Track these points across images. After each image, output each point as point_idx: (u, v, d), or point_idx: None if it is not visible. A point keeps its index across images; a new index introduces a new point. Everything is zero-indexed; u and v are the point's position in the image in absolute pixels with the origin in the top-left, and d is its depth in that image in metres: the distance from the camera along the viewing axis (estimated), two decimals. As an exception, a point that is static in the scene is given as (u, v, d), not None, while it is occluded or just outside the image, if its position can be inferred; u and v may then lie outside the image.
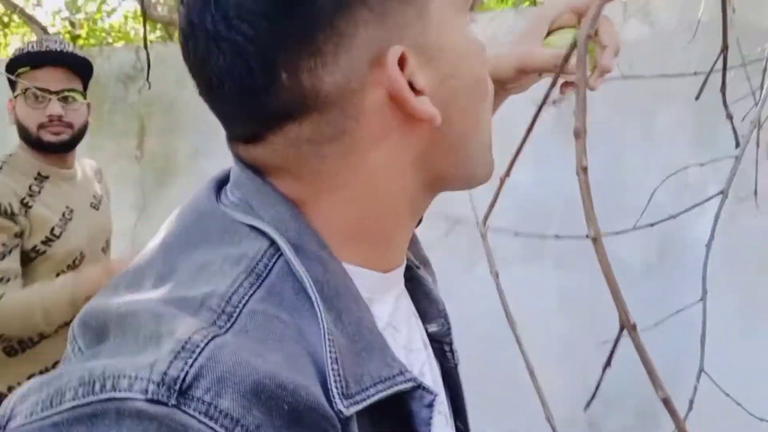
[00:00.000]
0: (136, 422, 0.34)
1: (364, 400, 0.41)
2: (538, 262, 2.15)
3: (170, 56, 3.30)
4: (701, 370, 1.14)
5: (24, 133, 1.63)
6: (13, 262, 1.55)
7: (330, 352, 0.41)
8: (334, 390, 0.40)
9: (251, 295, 0.41)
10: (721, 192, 1.16)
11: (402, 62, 0.44)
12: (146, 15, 4.46)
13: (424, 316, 0.59)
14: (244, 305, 0.41)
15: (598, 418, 2.04)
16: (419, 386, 0.44)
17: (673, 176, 1.86)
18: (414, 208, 0.51)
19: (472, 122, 0.49)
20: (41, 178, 1.64)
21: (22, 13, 4.56)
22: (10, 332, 1.56)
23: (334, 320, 0.43)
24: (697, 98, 1.24)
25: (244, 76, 0.43)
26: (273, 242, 0.44)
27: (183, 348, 0.36)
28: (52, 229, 1.61)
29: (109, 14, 5.50)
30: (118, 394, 0.35)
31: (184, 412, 0.34)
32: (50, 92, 1.60)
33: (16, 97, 1.63)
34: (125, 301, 0.42)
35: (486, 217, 0.65)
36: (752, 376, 1.69)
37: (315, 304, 0.42)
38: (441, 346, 0.59)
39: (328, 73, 0.42)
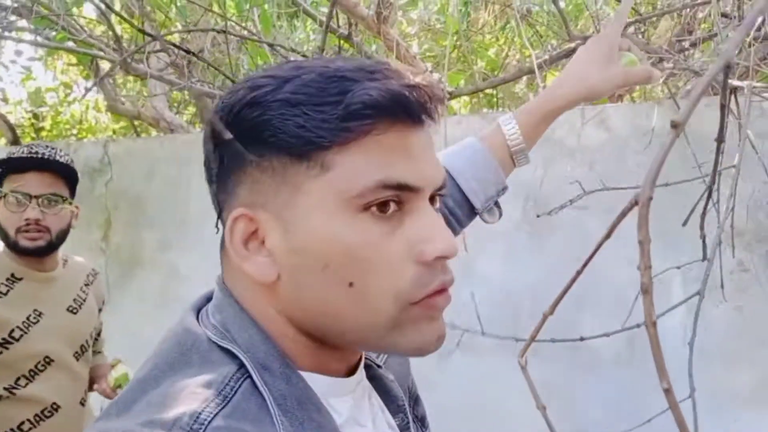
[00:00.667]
0: None
1: None
2: (513, 353, 2.19)
3: (138, 150, 3.35)
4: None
5: (3, 236, 1.64)
6: None
7: None
8: None
9: (217, 412, 0.48)
10: (698, 293, 1.24)
11: (244, 222, 0.53)
12: (113, 109, 4.53)
13: (387, 410, 0.65)
14: (209, 422, 0.47)
15: None
16: None
17: (636, 274, 1.96)
18: (321, 347, 0.56)
19: (324, 300, 0.52)
20: (13, 279, 1.64)
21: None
22: None
23: (296, 428, 0.50)
24: (684, 224, 1.38)
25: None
26: (243, 365, 0.52)
27: None
28: (12, 331, 1.59)
29: (70, 104, 5.54)
30: None
31: None
32: (31, 197, 1.62)
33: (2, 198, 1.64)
34: (113, 425, 0.49)
35: (525, 350, 0.70)
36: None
37: (274, 416, 0.49)
38: None
39: (226, 206, 0.56)
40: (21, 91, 5.50)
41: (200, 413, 0.48)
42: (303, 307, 0.54)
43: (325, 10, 3.38)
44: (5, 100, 4.98)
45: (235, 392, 0.50)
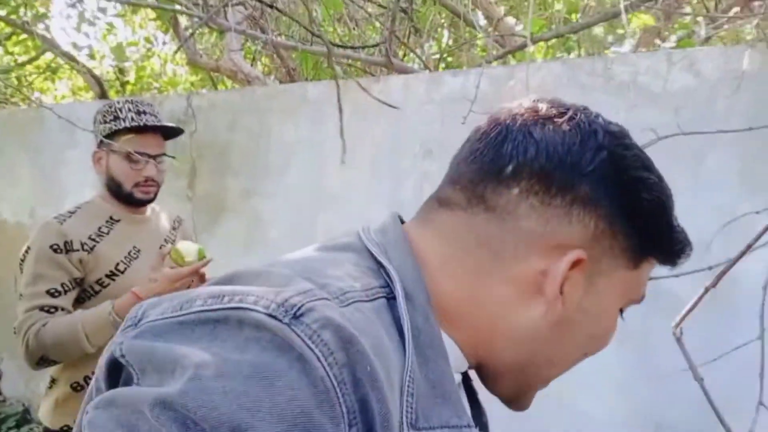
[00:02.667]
0: (253, 330, 0.42)
1: None
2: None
3: (219, 102, 3.46)
4: (760, 402, 1.19)
5: (115, 187, 1.82)
6: (65, 301, 1.70)
7: (408, 386, 0.48)
8: (404, 419, 0.47)
9: (360, 300, 0.49)
10: (776, 236, 1.23)
11: (575, 265, 0.56)
12: (192, 62, 4.66)
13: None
14: (354, 302, 0.48)
15: (650, 456, 2.07)
16: None
17: (722, 214, 1.93)
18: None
19: (554, 351, 0.60)
20: (112, 221, 1.82)
21: (71, 60, 4.77)
22: (57, 356, 1.67)
23: (420, 364, 0.50)
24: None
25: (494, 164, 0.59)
26: (388, 285, 0.53)
27: (305, 292, 0.45)
28: (117, 264, 1.77)
29: (149, 57, 5.73)
30: (243, 305, 0.43)
31: (293, 331, 0.42)
32: (149, 156, 1.81)
33: (108, 151, 1.81)
34: (260, 267, 0.51)
35: (680, 322, 0.84)
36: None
37: (407, 343, 0.50)
38: None
39: (533, 215, 0.56)
40: (104, 47, 5.70)
41: (347, 292, 0.49)
42: (529, 347, 0.59)
43: (400, -43, 3.34)
44: (92, 56, 5.20)
45: (374, 299, 0.51)
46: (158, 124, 1.82)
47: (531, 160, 0.55)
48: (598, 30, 3.77)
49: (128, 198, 1.82)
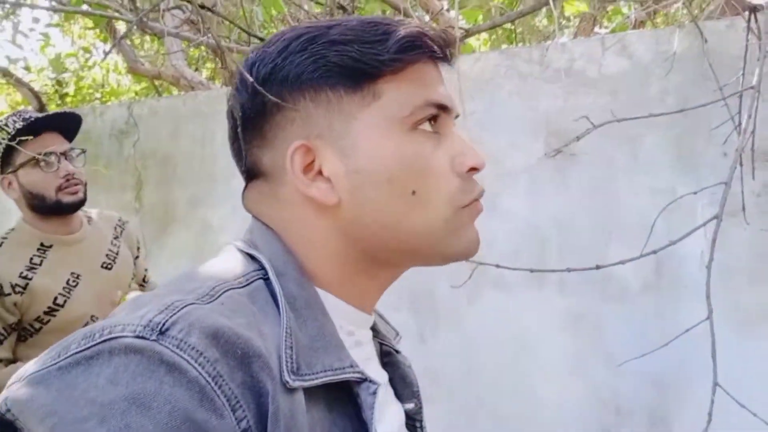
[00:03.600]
0: (123, 356, 0.45)
1: (312, 380, 0.53)
2: (543, 287, 2.23)
3: (162, 110, 3.39)
4: (715, 383, 1.20)
5: (38, 202, 1.64)
6: (4, 351, 1.56)
7: (286, 340, 0.53)
8: (284, 366, 0.52)
9: (232, 288, 0.55)
10: (716, 217, 1.25)
11: (302, 153, 0.59)
12: (133, 70, 4.55)
13: (400, 397, 0.70)
14: (224, 292, 0.54)
15: (611, 429, 2.10)
16: (365, 379, 0.57)
17: (661, 196, 1.96)
18: (366, 271, 0.62)
19: (387, 211, 0.59)
20: (43, 248, 1.65)
21: (7, 74, 4.62)
22: None
23: (299, 324, 0.56)
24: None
25: (233, 146, 0.65)
26: (262, 267, 0.59)
27: (167, 307, 0.49)
28: (55, 299, 1.61)
29: (90, 68, 5.58)
30: (112, 335, 0.47)
31: (161, 344, 0.46)
32: (57, 154, 1.64)
33: (14, 171, 1.65)
34: (143, 297, 0.55)
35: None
36: (759, 384, 1.76)
37: (281, 308, 0.56)
38: (413, 422, 0.70)
39: (267, 152, 0.61)
40: (42, 59, 5.53)
41: (217, 286, 0.54)
42: (364, 224, 0.59)
43: (336, -46, 3.32)
44: (28, 69, 5.03)
45: (251, 283, 0.57)
46: (45, 114, 1.64)
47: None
48: (539, 19, 3.81)
49: (57, 207, 1.63)
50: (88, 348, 0.46)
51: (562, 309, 2.16)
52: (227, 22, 3.27)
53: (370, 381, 0.58)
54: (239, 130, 0.62)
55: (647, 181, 2.05)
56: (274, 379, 0.50)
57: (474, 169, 0.61)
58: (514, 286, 2.26)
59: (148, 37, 4.83)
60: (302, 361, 0.53)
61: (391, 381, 0.69)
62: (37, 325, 1.60)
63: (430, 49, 0.60)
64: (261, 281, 0.58)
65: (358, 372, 0.57)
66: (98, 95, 5.36)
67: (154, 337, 0.46)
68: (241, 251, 0.61)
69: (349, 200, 0.59)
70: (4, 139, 1.61)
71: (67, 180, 1.64)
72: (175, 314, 0.48)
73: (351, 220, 0.60)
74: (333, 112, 0.59)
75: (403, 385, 0.70)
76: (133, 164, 3.34)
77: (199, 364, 0.46)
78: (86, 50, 5.39)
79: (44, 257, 1.63)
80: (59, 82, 5.13)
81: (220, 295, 0.53)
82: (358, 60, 0.58)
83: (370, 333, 0.67)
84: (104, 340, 0.46)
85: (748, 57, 1.73)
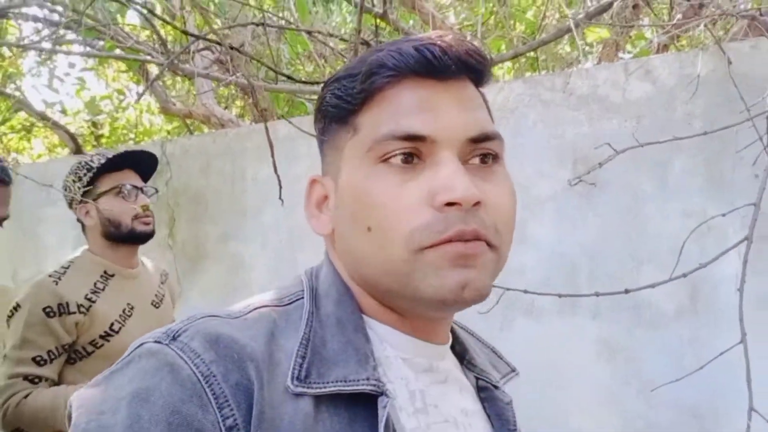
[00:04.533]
0: (144, 359, 0.53)
1: (321, 388, 0.54)
2: (575, 314, 2.20)
3: (192, 148, 3.46)
4: (751, 408, 1.17)
5: (113, 228, 1.78)
6: (51, 371, 1.64)
7: (299, 350, 0.56)
8: (290, 373, 0.54)
9: (269, 306, 0.60)
10: (746, 238, 1.23)
11: (314, 187, 0.65)
12: (165, 110, 4.68)
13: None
14: (256, 309, 0.60)
15: (647, 468, 2.04)
16: (381, 392, 0.56)
17: (692, 220, 1.94)
18: (388, 304, 0.62)
19: (354, 247, 0.60)
20: (107, 275, 1.77)
21: (45, 118, 4.78)
22: (31, 428, 1.62)
23: (325, 339, 0.58)
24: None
25: None
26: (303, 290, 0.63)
27: (188, 319, 0.57)
28: (112, 324, 1.71)
29: (124, 109, 5.75)
30: (141, 342, 0.55)
31: (170, 347, 0.53)
32: (138, 188, 1.81)
33: (95, 199, 1.78)
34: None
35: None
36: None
37: (302, 322, 0.59)
38: None
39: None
40: (77, 102, 5.71)
41: (250, 304, 0.60)
42: (346, 258, 0.62)
43: (359, -10, 3.39)
44: (64, 112, 5.21)
45: (293, 302, 0.62)
46: (130, 150, 1.83)
47: None
48: (561, 46, 3.83)
49: (131, 235, 1.78)
50: (128, 354, 0.55)
51: (595, 337, 2.13)
52: (255, 61, 3.35)
53: (385, 394, 0.55)
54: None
55: (677, 206, 2.03)
56: (271, 384, 0.53)
57: (452, 205, 0.54)
58: (545, 314, 2.24)
59: (179, 78, 4.97)
60: (314, 371, 0.55)
61: (489, 417, 0.68)
62: (90, 349, 1.69)
63: (411, 69, 0.56)
64: (302, 301, 0.62)
65: (373, 384, 0.55)
66: (132, 135, 5.51)
67: (166, 342, 0.54)
68: (304, 275, 0.66)
69: (336, 232, 0.63)
70: (86, 173, 1.76)
71: (144, 210, 1.79)
72: (190, 324, 0.56)
73: (340, 251, 0.63)
74: (332, 148, 0.63)
75: (499, 423, 0.67)
76: (166, 201, 3.40)
77: (195, 365, 0.52)
78: (120, 92, 5.56)
79: (106, 284, 1.76)
80: (94, 124, 5.29)
81: (250, 312, 0.59)
82: (340, 96, 0.60)
83: (450, 362, 0.67)
84: (137, 347, 0.55)
85: (774, 77, 1.71)
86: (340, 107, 0.60)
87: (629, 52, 3.21)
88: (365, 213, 0.57)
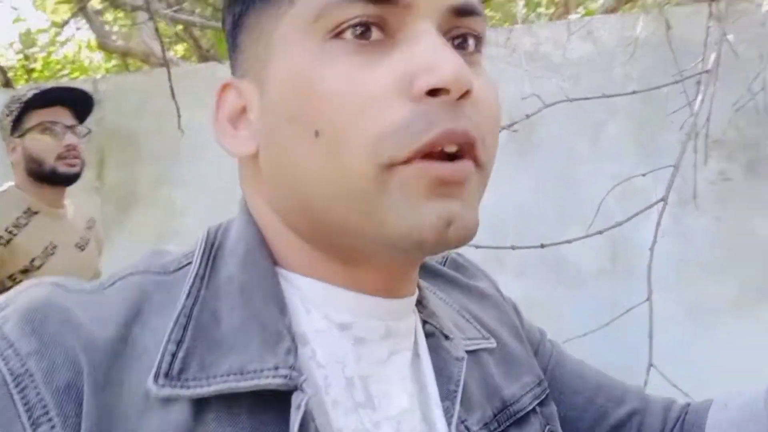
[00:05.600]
0: None
1: (199, 386, 0.38)
2: (502, 273, 2.22)
3: (128, 87, 3.32)
4: (650, 364, 1.20)
5: (36, 167, 1.70)
6: None
7: (172, 333, 0.40)
8: (154, 367, 0.38)
9: (145, 273, 0.45)
10: (662, 199, 1.24)
11: (229, 96, 0.46)
12: (103, 46, 4.47)
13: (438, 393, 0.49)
14: (125, 278, 0.44)
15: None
16: (295, 386, 0.39)
17: (620, 185, 1.95)
18: (328, 248, 0.45)
19: (293, 163, 0.41)
20: (30, 212, 1.72)
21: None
22: None
23: (219, 314, 0.42)
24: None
25: None
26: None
27: (18, 290, 0.42)
28: (33, 260, 1.68)
29: (62, 44, 5.47)
30: None
31: None
32: (65, 126, 1.71)
33: (21, 135, 1.71)
34: None
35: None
36: (700, 370, 1.77)
37: (182, 294, 0.42)
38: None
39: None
40: (11, 33, 5.41)
41: (122, 273, 0.45)
42: (279, 184, 0.44)
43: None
44: (-6, 42, 4.92)
45: (182, 267, 0.45)
46: (61, 87, 1.74)
47: None
48: (515, 6, 3.79)
49: (52, 175, 1.69)
50: None
51: (519, 294, 2.15)
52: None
53: (300, 388, 0.39)
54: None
55: (608, 168, 2.04)
56: (124, 385, 0.38)
57: (438, 92, 0.38)
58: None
59: (121, 14, 4.74)
60: (195, 362, 0.39)
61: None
62: (8, 284, 1.65)
63: None
64: (188, 268, 0.45)
65: (283, 375, 0.39)
66: (67, 72, 5.26)
67: None
68: (206, 231, 0.49)
69: (264, 152, 0.44)
70: (16, 107, 1.69)
71: (68, 150, 1.70)
72: (16, 296, 0.40)
73: (268, 178, 0.44)
74: (254, 37, 0.44)
75: (439, 378, 0.48)
76: (97, 142, 3.26)
77: (4, 359, 0.37)
78: (56, 25, 5.28)
79: (29, 221, 1.71)
80: (27, 57, 5.03)
81: (115, 282, 0.43)
82: None
83: (413, 320, 0.49)
84: None
85: (709, 42, 1.71)
86: None
87: (578, 14, 3.19)
88: (311, 111, 0.39)
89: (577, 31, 2.11)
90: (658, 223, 1.26)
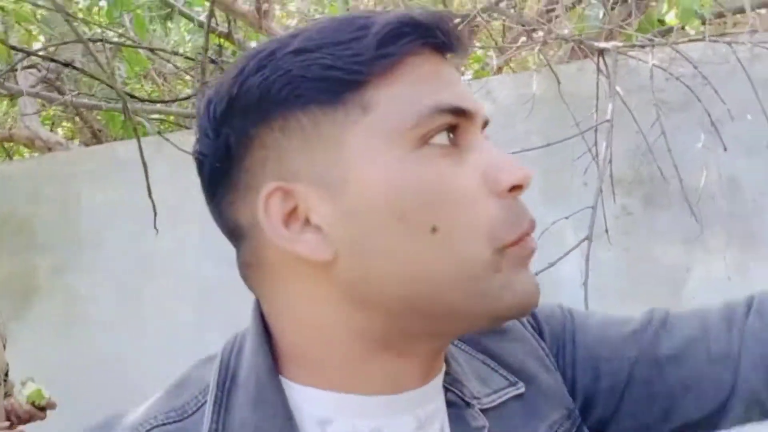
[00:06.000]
0: None
1: None
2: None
3: (16, 174, 3.16)
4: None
5: None
6: None
7: None
8: None
9: (158, 427, 0.46)
10: (587, 238, 1.36)
11: (279, 199, 0.44)
12: None
13: None
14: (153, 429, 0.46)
15: None
16: None
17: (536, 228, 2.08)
18: (389, 348, 0.46)
19: (402, 260, 0.43)
20: None
21: None
22: None
23: None
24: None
25: (210, 207, 0.49)
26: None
27: None
28: None
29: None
30: None
31: None
32: None
33: None
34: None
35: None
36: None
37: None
38: None
39: (241, 207, 0.46)
40: None
41: (146, 417, 0.46)
42: (373, 282, 0.44)
43: (199, 9, 3.31)
44: None
45: (190, 414, 0.46)
46: None
47: None
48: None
49: None
50: None
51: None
52: (91, 78, 3.14)
53: None
54: (209, 185, 0.48)
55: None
56: None
57: (517, 188, 0.44)
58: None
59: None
60: None
61: None
62: None
63: (428, 34, 0.44)
64: (204, 407, 0.46)
65: None
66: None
67: None
68: (221, 352, 0.49)
69: (348, 254, 0.44)
70: None
71: None
72: None
73: (354, 279, 0.44)
74: (311, 141, 0.44)
75: None
76: (-14, 233, 3.05)
77: None
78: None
79: None
80: None
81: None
82: (331, 66, 0.43)
83: (432, 406, 0.49)
84: None
85: (600, 95, 1.90)
86: (332, 81, 0.43)
87: (466, 74, 3.42)
88: (427, 210, 0.43)
89: (477, 92, 2.26)
90: (587, 259, 1.37)
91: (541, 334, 0.58)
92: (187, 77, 4.01)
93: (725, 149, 1.86)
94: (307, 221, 0.44)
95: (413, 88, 0.44)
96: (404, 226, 0.43)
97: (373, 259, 0.43)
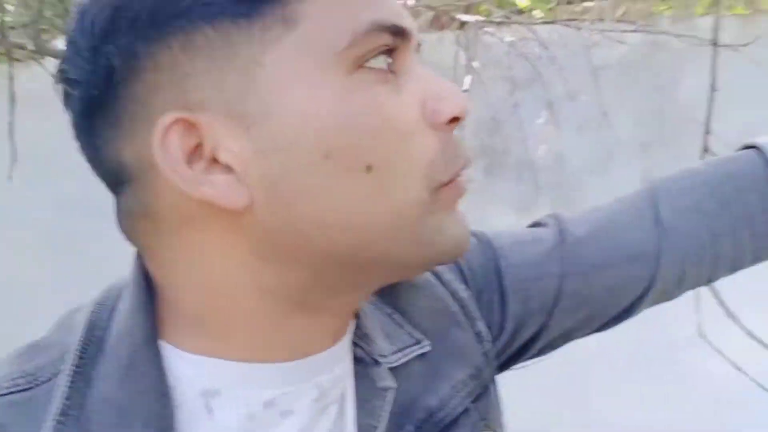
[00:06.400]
0: None
1: None
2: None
3: None
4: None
5: None
6: None
7: None
8: None
9: (6, 393, 0.40)
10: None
11: (179, 133, 0.36)
12: None
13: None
14: None
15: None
16: None
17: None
18: (301, 307, 0.41)
19: (331, 205, 0.37)
20: None
21: None
22: None
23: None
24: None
25: (80, 145, 0.40)
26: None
27: None
28: None
29: None
30: None
31: None
32: None
33: None
34: None
35: None
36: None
37: (48, 427, 0.38)
38: None
39: (127, 144, 0.38)
40: None
41: None
42: (295, 232, 0.38)
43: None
44: None
45: (46, 380, 0.40)
46: None
47: None
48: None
49: None
50: None
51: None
52: None
53: None
54: (82, 118, 0.39)
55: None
56: None
57: (456, 120, 0.39)
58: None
59: None
60: None
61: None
62: None
63: None
64: (61, 376, 0.40)
65: None
66: None
67: None
68: (91, 311, 0.42)
69: (266, 199, 0.37)
70: None
71: None
72: None
73: (272, 229, 0.38)
74: (220, 62, 0.36)
75: (362, 413, 0.45)
76: None
77: None
78: None
79: None
80: None
81: None
82: None
83: (338, 370, 0.44)
84: None
85: (457, 65, 2.00)
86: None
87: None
88: (360, 146, 0.36)
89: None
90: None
91: (461, 273, 0.54)
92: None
93: (556, 127, 2.06)
94: (214, 160, 0.37)
95: (340, 2, 0.37)
96: (334, 165, 0.36)
97: (296, 205, 0.37)
